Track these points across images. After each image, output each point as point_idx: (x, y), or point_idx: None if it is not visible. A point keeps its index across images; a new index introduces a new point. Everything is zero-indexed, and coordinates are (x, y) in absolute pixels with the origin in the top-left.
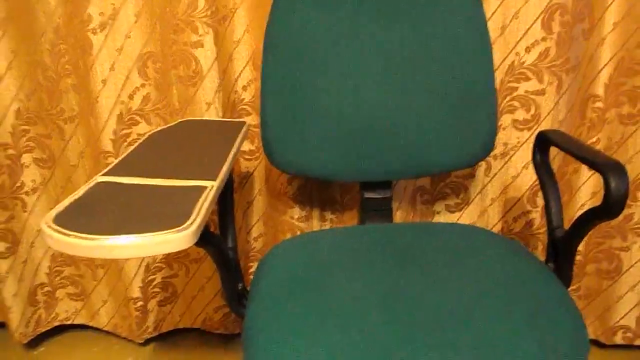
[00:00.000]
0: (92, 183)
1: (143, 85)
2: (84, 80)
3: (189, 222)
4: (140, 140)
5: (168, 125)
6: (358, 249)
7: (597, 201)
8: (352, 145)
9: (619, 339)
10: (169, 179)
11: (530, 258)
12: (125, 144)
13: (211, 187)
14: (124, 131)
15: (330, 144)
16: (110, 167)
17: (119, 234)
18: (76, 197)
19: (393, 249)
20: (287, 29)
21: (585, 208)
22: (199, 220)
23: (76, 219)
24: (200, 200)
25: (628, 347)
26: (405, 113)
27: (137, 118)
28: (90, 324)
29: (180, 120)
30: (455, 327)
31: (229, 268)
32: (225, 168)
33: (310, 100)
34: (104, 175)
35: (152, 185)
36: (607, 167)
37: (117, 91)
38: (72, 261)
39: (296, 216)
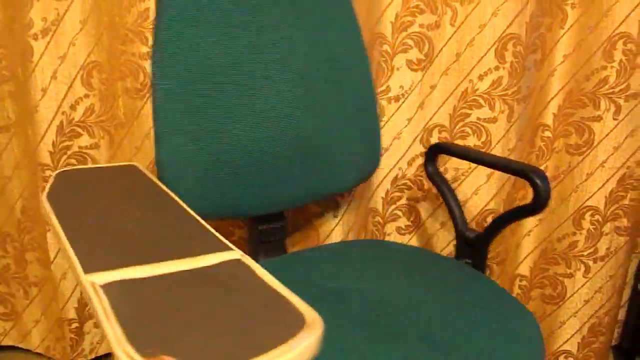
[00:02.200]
0: (96, 291)
1: (87, 96)
2: (22, 87)
3: (306, 315)
4: (56, 221)
5: (50, 185)
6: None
7: (544, 228)
8: (241, 179)
9: None
10: (177, 259)
11: (476, 275)
12: (66, 156)
13: (241, 255)
14: (64, 143)
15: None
16: (80, 259)
17: None
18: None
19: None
20: (178, 48)
21: (532, 235)
22: (305, 306)
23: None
24: (264, 278)
25: None
26: (299, 138)
27: (79, 130)
28: (21, 345)
29: (57, 172)
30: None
31: None
32: (210, 228)
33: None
34: (91, 273)
35: (172, 273)
36: (533, 172)
37: (59, 101)
38: (2, 279)
39: None
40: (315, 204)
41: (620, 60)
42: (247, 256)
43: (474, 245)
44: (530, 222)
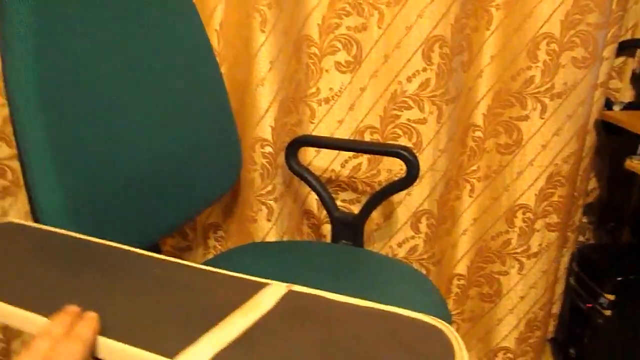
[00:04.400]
0: None
1: None
2: None
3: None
4: None
5: None
6: None
7: (479, 227)
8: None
9: None
10: (233, 312)
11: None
12: None
13: (286, 285)
14: None
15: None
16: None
17: None
18: None
19: None
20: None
21: (468, 234)
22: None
23: None
24: (345, 300)
25: None
26: (166, 159)
27: None
28: None
29: None
30: None
31: None
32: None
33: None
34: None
35: (248, 328)
36: (404, 150)
37: None
38: None
39: None
40: (249, 209)
41: (545, 60)
42: (291, 284)
43: (354, 226)
44: (465, 221)
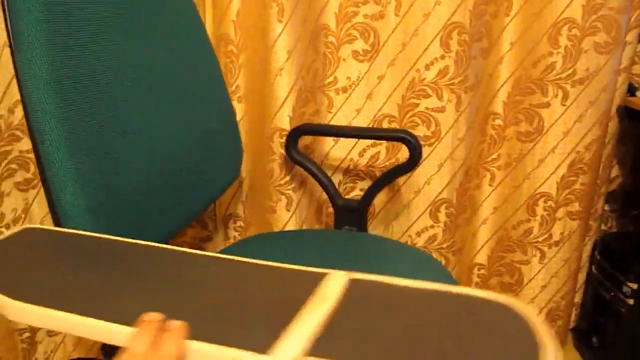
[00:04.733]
0: None
1: None
2: None
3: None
4: None
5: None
6: None
7: (499, 216)
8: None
9: None
10: (303, 301)
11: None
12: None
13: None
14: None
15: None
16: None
17: None
18: None
19: None
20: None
21: (488, 223)
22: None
23: None
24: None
25: None
26: (178, 156)
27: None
28: None
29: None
30: None
31: None
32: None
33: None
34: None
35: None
36: (405, 133)
37: None
38: None
39: None
40: (268, 199)
41: (566, 46)
42: (349, 272)
43: (357, 212)
44: (485, 210)
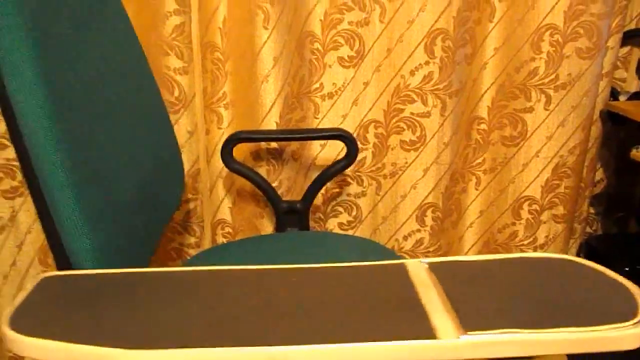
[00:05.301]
0: None
1: None
2: None
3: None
4: None
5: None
6: None
7: (485, 219)
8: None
9: None
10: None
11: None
12: None
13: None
14: None
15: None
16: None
17: None
18: None
19: None
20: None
21: (474, 227)
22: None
23: None
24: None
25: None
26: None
27: None
28: None
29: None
30: None
31: None
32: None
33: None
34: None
35: None
36: (345, 133)
37: None
38: None
39: None
40: (256, 205)
41: (548, 52)
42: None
43: (300, 213)
44: (471, 214)
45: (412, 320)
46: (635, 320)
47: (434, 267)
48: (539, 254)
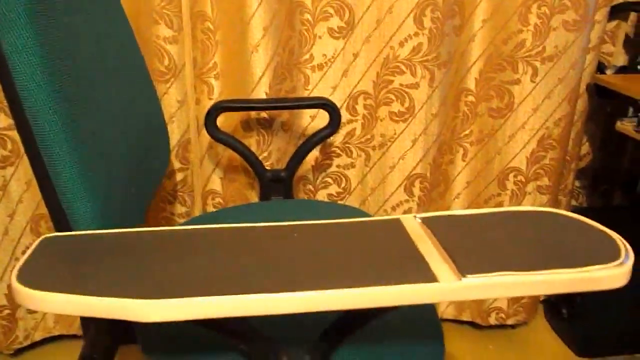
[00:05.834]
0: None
1: None
2: None
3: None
4: None
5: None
6: None
7: (472, 190)
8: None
9: (493, 320)
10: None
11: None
12: None
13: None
14: None
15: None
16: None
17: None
18: None
19: None
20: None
21: (461, 198)
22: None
23: None
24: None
25: (501, 326)
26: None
27: None
28: None
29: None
30: None
31: None
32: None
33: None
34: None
35: None
36: (325, 100)
37: None
38: None
39: None
40: (247, 175)
41: (536, 24)
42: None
43: (284, 181)
44: (458, 185)
45: (413, 267)
46: (619, 261)
47: (427, 221)
48: (526, 208)
